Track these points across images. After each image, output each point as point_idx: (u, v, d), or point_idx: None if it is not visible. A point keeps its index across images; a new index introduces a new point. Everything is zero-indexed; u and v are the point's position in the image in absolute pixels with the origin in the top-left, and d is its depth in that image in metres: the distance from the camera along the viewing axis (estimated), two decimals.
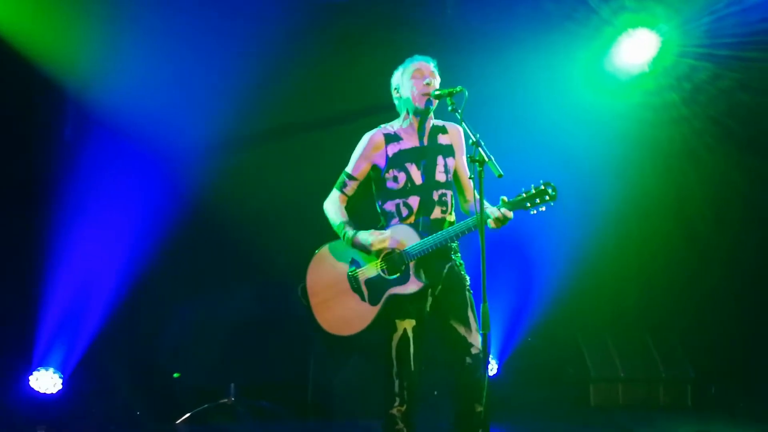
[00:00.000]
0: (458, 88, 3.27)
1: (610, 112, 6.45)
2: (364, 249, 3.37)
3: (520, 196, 3.28)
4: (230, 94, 5.70)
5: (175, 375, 5.79)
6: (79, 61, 5.52)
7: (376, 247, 3.33)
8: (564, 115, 6.40)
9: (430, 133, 3.50)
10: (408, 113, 3.49)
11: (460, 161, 3.54)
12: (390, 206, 3.46)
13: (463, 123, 3.19)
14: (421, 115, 3.47)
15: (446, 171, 3.47)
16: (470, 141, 3.09)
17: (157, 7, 5.51)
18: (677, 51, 6.24)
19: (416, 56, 3.52)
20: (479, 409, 3.25)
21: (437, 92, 3.37)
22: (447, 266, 3.42)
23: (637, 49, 6.27)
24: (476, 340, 3.33)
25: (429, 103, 3.42)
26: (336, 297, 3.42)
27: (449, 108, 3.27)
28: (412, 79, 3.44)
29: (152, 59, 5.56)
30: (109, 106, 5.59)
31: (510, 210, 3.26)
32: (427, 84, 3.40)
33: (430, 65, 3.48)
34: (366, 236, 3.36)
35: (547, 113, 6.40)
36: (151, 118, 5.59)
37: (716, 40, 6.00)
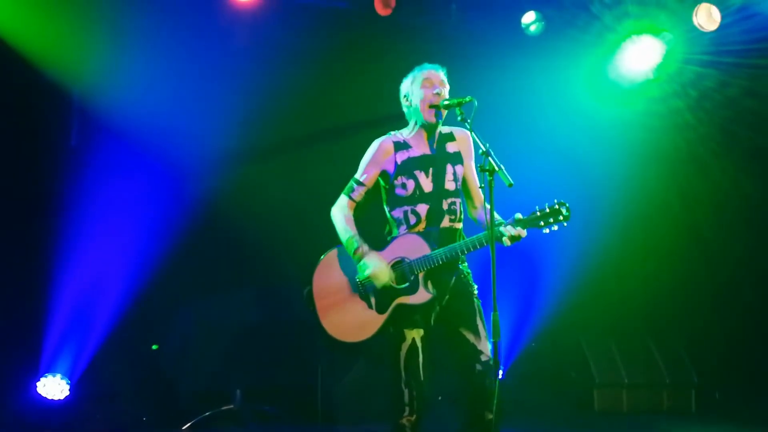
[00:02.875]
0: (467, 98, 3.28)
1: (614, 119, 6.46)
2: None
3: (534, 214, 3.28)
4: (236, 102, 5.72)
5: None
6: (85, 67, 5.53)
7: (373, 279, 3.33)
8: (568, 122, 6.42)
9: (438, 141, 3.50)
10: (416, 123, 3.50)
11: (469, 167, 3.53)
12: (398, 213, 3.45)
13: (473, 132, 3.21)
14: (430, 127, 3.48)
15: (455, 179, 3.47)
16: (480, 150, 3.10)
17: (165, 16, 5.53)
18: (682, 58, 6.25)
19: (425, 64, 3.50)
20: (489, 416, 3.22)
21: (446, 102, 3.37)
22: (454, 276, 3.41)
23: (641, 56, 6.28)
24: (486, 347, 3.32)
25: (438, 116, 3.42)
26: (342, 302, 3.40)
27: (458, 118, 3.28)
28: (422, 89, 3.43)
29: (159, 67, 5.57)
30: (115, 113, 5.60)
31: (524, 228, 3.26)
32: (437, 94, 3.40)
33: (440, 74, 3.47)
34: (372, 263, 3.34)
35: (551, 120, 6.41)
36: (157, 124, 5.60)
37: (722, 47, 6.02)
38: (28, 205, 5.53)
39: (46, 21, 5.34)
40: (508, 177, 3.01)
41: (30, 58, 5.34)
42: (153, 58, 5.57)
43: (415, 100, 3.46)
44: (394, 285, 3.36)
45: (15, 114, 5.44)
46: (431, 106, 3.40)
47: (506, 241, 3.26)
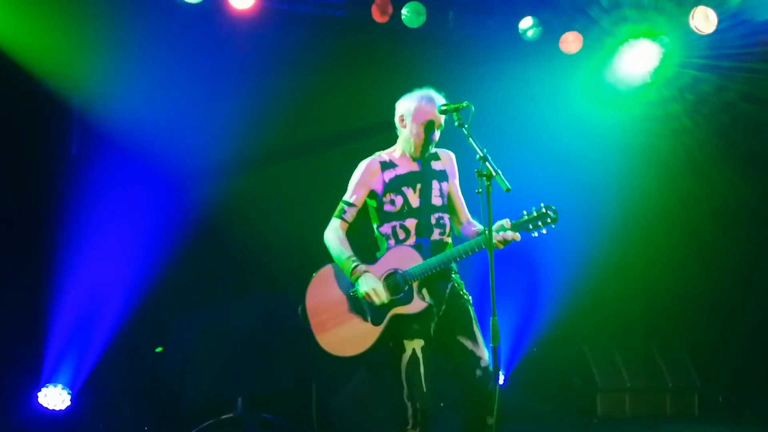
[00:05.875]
0: (464, 104, 3.30)
1: (612, 123, 6.47)
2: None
3: (522, 218, 3.32)
4: (235, 110, 5.73)
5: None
6: (85, 77, 5.55)
7: (371, 298, 3.32)
8: (566, 126, 6.42)
9: (424, 160, 3.55)
10: (404, 150, 3.54)
11: (453, 185, 3.59)
12: (386, 229, 3.49)
13: (470, 138, 3.21)
14: (416, 158, 3.53)
15: (441, 195, 3.52)
16: (477, 156, 3.12)
17: (163, 26, 5.55)
18: (679, 62, 6.28)
19: (431, 93, 3.47)
20: (490, 421, 3.26)
21: (443, 107, 3.39)
22: (449, 286, 3.45)
23: (638, 60, 6.29)
24: (484, 353, 3.36)
25: (427, 153, 3.50)
26: (337, 318, 3.41)
27: (455, 123, 3.30)
28: (423, 129, 3.44)
29: (158, 76, 5.60)
30: (115, 122, 5.62)
31: (515, 232, 3.29)
32: (436, 132, 3.46)
33: (439, 112, 3.42)
34: (367, 284, 3.33)
35: (548, 125, 6.42)
36: (157, 133, 5.62)
37: (719, 51, 6.04)
38: (29, 215, 5.54)
39: (45, 31, 5.36)
40: (506, 182, 3.04)
41: (30, 68, 5.36)
42: (152, 67, 5.60)
43: (410, 132, 3.48)
44: (387, 299, 3.36)
45: (15, 123, 5.45)
46: (424, 149, 3.46)
47: (499, 245, 3.29)
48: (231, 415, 5.53)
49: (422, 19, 5.91)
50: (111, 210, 5.64)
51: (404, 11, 5.88)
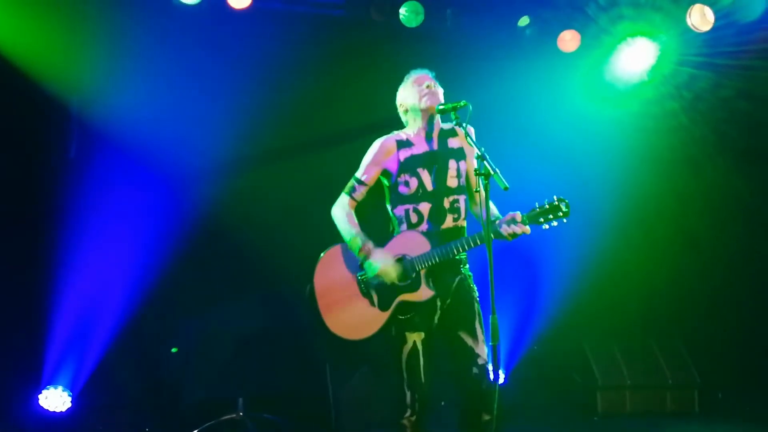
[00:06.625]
0: (462, 103, 3.31)
1: (610, 121, 6.49)
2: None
3: (534, 210, 3.30)
4: (235, 110, 5.74)
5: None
6: (83, 79, 5.55)
7: (383, 277, 3.35)
8: (564, 124, 6.44)
9: (439, 136, 3.52)
10: (416, 119, 3.52)
11: (471, 163, 3.52)
12: (400, 211, 3.48)
13: (468, 137, 3.24)
14: (430, 118, 3.49)
15: (458, 175, 3.48)
16: (475, 154, 3.12)
17: (162, 27, 5.56)
18: (676, 60, 6.29)
19: (412, 70, 3.60)
20: (486, 418, 3.27)
21: (441, 106, 3.40)
22: (457, 279, 3.43)
23: (636, 58, 6.31)
24: (483, 351, 3.36)
25: (434, 101, 3.47)
26: (345, 300, 3.42)
27: (454, 123, 3.33)
28: (414, 85, 3.52)
29: (157, 77, 5.60)
30: (114, 124, 5.62)
31: (526, 225, 3.28)
32: (428, 86, 3.48)
33: (429, 75, 3.55)
34: (379, 261, 3.36)
35: (546, 123, 6.43)
36: (156, 135, 5.62)
37: (716, 48, 6.05)
38: (28, 218, 5.54)
39: (43, 33, 5.36)
40: (504, 180, 3.04)
41: (28, 71, 5.35)
42: (151, 68, 5.59)
43: (410, 100, 3.51)
44: (396, 282, 3.37)
45: (13, 126, 5.45)
46: (425, 96, 3.46)
47: (508, 237, 3.29)
48: (233, 415, 5.54)
49: (420, 18, 5.93)
50: (111, 211, 5.64)
51: (402, 11, 5.90)
